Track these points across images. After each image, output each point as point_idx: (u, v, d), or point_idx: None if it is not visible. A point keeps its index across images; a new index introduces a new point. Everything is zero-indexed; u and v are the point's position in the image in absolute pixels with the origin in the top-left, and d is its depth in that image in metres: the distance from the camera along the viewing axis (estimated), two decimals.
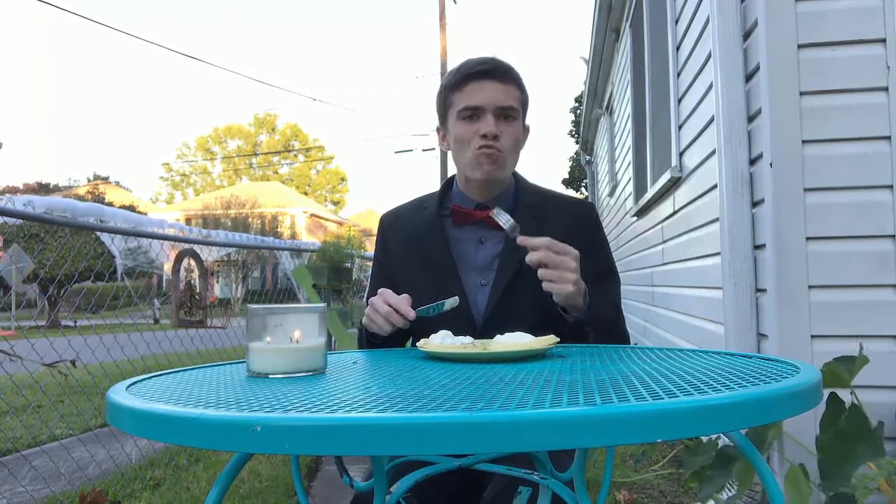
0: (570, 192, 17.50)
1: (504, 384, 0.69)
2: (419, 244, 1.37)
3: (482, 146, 1.27)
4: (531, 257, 1.12)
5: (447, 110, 1.35)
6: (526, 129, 1.38)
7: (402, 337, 1.30)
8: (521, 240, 1.15)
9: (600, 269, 1.35)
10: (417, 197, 1.49)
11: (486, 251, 1.33)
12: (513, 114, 1.29)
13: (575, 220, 1.36)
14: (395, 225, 1.45)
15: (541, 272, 1.12)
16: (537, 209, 1.36)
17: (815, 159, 1.98)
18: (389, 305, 1.18)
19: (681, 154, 3.24)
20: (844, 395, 1.55)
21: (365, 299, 1.54)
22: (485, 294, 1.30)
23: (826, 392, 1.51)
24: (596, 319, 1.20)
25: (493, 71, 1.28)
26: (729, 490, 1.48)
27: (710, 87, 2.43)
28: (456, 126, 1.32)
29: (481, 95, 1.28)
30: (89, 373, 2.93)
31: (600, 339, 1.21)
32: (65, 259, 13.99)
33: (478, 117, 1.28)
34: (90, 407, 4.45)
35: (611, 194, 7.32)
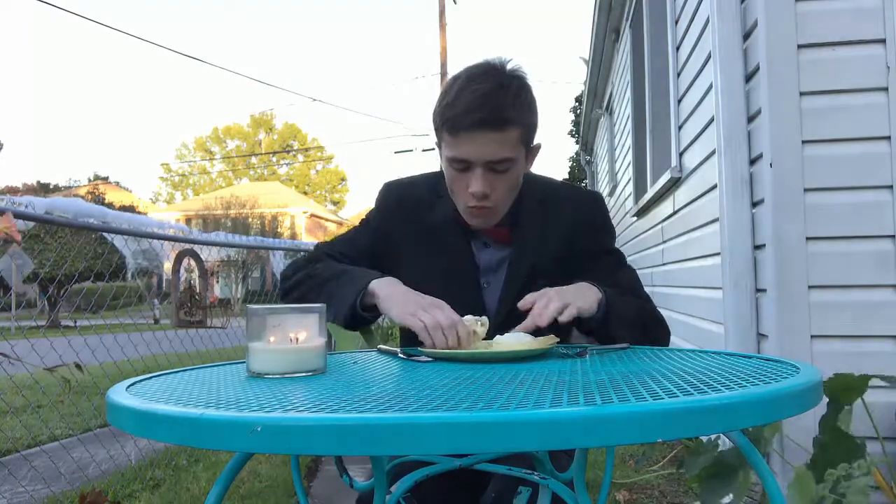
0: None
1: (504, 384, 0.69)
2: (434, 235, 1.30)
3: (472, 206, 1.19)
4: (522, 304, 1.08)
5: (439, 142, 1.23)
6: (533, 152, 1.25)
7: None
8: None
9: (609, 262, 1.31)
10: (426, 175, 1.39)
11: (490, 253, 1.32)
12: (507, 165, 1.17)
13: (581, 214, 1.31)
14: (403, 205, 1.35)
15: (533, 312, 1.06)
16: (542, 206, 1.30)
17: (815, 159, 1.98)
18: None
19: (681, 154, 3.24)
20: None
21: (333, 250, 1.36)
22: (490, 296, 1.28)
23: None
24: (616, 316, 1.14)
25: (487, 120, 1.13)
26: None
27: (710, 87, 2.43)
28: (445, 168, 1.22)
29: (471, 149, 1.15)
30: (89, 373, 2.93)
31: (636, 335, 1.15)
32: (65, 259, 14.00)
33: (468, 169, 1.17)
34: (90, 407, 4.45)
35: (611, 194, 7.32)
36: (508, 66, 1.19)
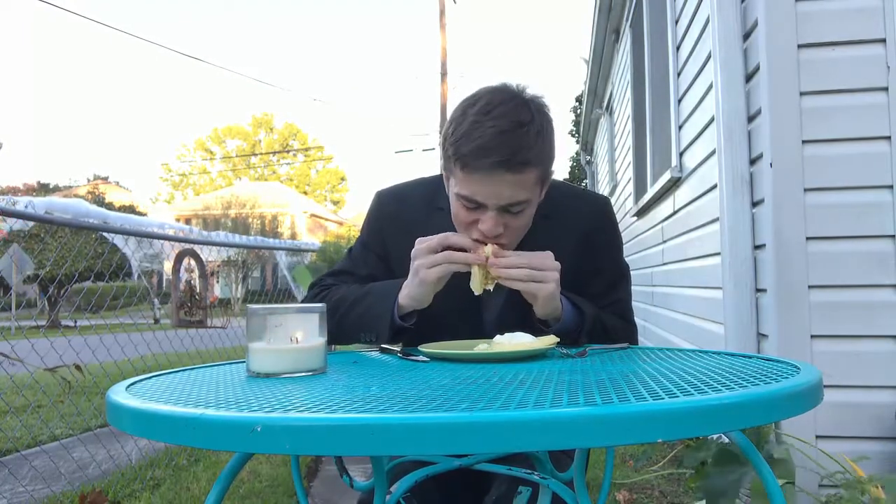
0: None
1: (504, 384, 0.69)
2: None
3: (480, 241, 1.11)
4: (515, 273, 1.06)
5: (448, 172, 1.14)
6: (546, 185, 1.17)
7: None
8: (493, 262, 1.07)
9: (611, 274, 1.28)
10: (422, 182, 1.33)
11: None
12: (522, 207, 1.10)
13: (588, 229, 1.24)
14: (397, 218, 1.28)
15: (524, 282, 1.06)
16: (547, 221, 1.22)
17: (815, 159, 1.98)
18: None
19: (681, 154, 3.24)
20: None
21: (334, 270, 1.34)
22: (489, 315, 1.24)
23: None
24: (574, 329, 1.14)
25: (506, 163, 1.03)
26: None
27: (710, 87, 2.43)
28: (453, 202, 1.15)
29: (485, 191, 1.06)
30: (89, 373, 2.94)
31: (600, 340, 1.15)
32: (65, 259, 14.00)
33: (479, 209, 1.10)
34: (90, 407, 4.45)
35: (611, 194, 7.32)
36: (528, 96, 1.09)
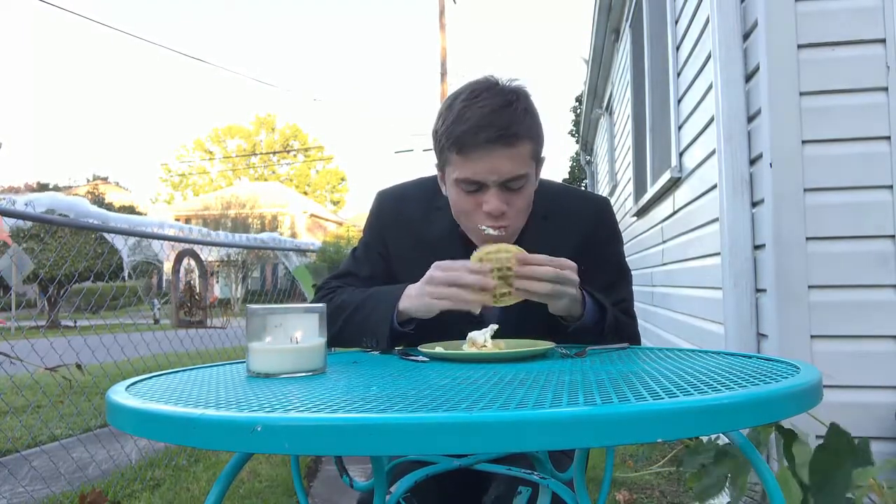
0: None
1: (504, 384, 0.69)
2: (432, 248, 1.22)
3: (489, 225, 1.13)
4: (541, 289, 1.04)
5: (444, 164, 1.17)
6: (540, 167, 1.20)
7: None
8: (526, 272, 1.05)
9: (612, 274, 1.28)
10: (421, 182, 1.33)
11: None
12: (521, 182, 1.12)
13: (588, 229, 1.26)
14: (399, 218, 1.30)
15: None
16: (546, 222, 1.24)
17: (815, 159, 1.98)
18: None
19: (681, 154, 3.24)
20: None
21: (340, 271, 1.35)
22: (489, 315, 1.21)
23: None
24: (594, 325, 1.14)
25: (501, 137, 1.08)
26: (726, 491, 1.48)
27: (710, 87, 2.43)
28: (454, 192, 1.16)
29: (484, 168, 1.09)
30: (89, 373, 2.93)
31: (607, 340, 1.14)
32: (65, 259, 13.99)
33: (479, 190, 1.12)
34: (90, 407, 4.45)
35: (611, 194, 7.32)
36: (509, 83, 1.15)
